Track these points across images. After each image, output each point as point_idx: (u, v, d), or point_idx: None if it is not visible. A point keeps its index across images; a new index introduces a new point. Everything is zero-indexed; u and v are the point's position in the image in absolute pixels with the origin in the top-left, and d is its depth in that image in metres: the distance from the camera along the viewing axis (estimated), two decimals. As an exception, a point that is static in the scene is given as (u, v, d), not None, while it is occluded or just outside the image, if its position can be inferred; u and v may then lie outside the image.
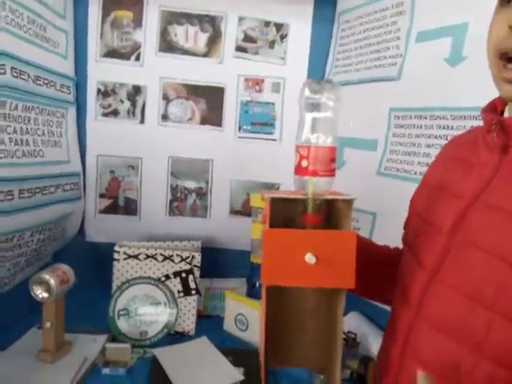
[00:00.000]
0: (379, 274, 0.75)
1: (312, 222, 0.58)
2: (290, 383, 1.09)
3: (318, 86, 0.56)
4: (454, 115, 1.02)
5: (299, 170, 0.57)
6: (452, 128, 1.02)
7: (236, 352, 1.20)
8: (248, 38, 1.53)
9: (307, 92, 0.56)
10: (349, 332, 1.20)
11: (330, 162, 0.57)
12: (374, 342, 1.18)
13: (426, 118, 1.10)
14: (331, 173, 0.57)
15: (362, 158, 1.30)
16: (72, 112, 1.49)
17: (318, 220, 0.58)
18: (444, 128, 1.04)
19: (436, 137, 1.06)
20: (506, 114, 0.58)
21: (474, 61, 0.98)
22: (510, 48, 0.51)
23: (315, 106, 0.56)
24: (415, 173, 1.10)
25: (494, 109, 0.60)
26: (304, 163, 0.56)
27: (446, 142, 0.76)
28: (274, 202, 0.57)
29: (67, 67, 1.45)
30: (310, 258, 0.54)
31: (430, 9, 1.14)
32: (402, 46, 1.20)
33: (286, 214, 0.58)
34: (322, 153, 0.56)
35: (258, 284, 1.33)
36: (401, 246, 0.77)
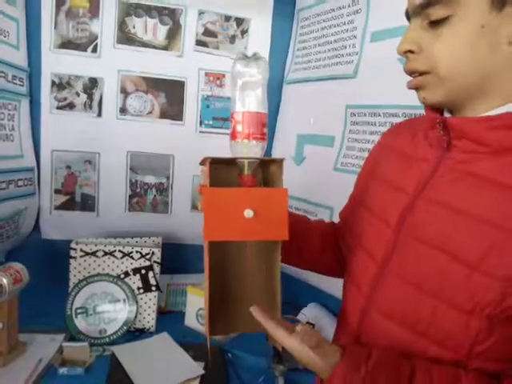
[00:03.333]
0: (311, 245, 0.81)
1: (248, 183, 0.63)
2: (249, 374, 1.12)
3: (247, 59, 0.63)
4: (405, 113, 1.06)
5: (235, 134, 0.63)
6: (400, 122, 1.06)
7: (197, 346, 1.21)
8: (208, 33, 1.52)
9: (238, 66, 0.63)
10: (307, 323, 1.23)
11: (262, 127, 0.63)
12: (332, 333, 1.21)
13: (379, 115, 1.14)
14: (263, 136, 0.63)
15: (321, 154, 1.33)
16: (25, 105, 1.43)
17: (253, 180, 0.64)
18: (396, 125, 1.08)
19: (385, 132, 1.09)
20: (445, 111, 0.61)
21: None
22: (404, 70, 0.58)
23: (246, 77, 0.63)
24: (369, 168, 1.14)
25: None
26: (239, 127, 0.62)
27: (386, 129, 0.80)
28: (213, 163, 0.62)
29: (19, 58, 1.39)
30: (247, 213, 0.59)
31: (385, 8, 1.17)
32: (358, 44, 1.23)
33: (222, 178, 0.64)
34: (254, 117, 0.62)
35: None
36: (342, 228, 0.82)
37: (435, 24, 0.53)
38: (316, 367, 0.54)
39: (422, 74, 0.55)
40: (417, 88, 0.57)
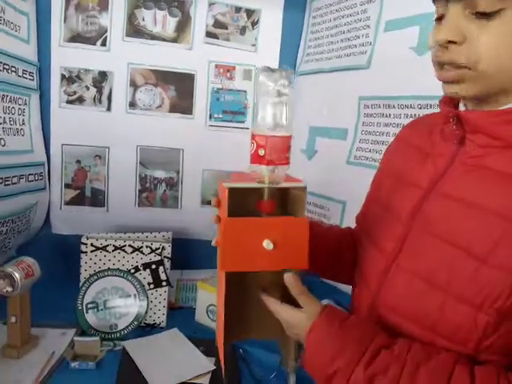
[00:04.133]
0: (333, 256, 0.79)
1: (267, 209, 0.60)
2: (261, 370, 1.11)
3: (274, 72, 0.57)
4: (421, 104, 1.03)
5: (256, 159, 0.58)
6: (419, 117, 1.03)
7: (207, 342, 1.20)
8: (218, 24, 1.50)
9: (263, 79, 0.57)
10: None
11: (286, 151, 0.58)
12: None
13: (394, 106, 1.11)
14: (286, 161, 0.59)
15: (333, 147, 1.31)
16: (35, 99, 1.43)
17: (272, 206, 0.61)
18: (411, 117, 1.05)
19: (404, 126, 1.07)
20: (461, 105, 0.60)
21: (441, 50, 0.99)
22: (440, 61, 0.54)
23: (271, 93, 0.57)
24: (383, 162, 1.12)
25: (451, 100, 0.62)
26: (261, 152, 0.57)
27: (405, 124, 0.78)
28: (232, 191, 0.58)
29: (29, 52, 1.39)
30: (267, 244, 0.57)
31: (399, -3, 1.14)
32: (372, 34, 1.20)
33: (240, 199, 0.60)
34: (278, 142, 0.57)
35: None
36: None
37: (483, 15, 0.49)
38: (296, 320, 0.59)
39: (458, 67, 0.52)
40: (450, 81, 0.54)
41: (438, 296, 0.53)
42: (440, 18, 0.53)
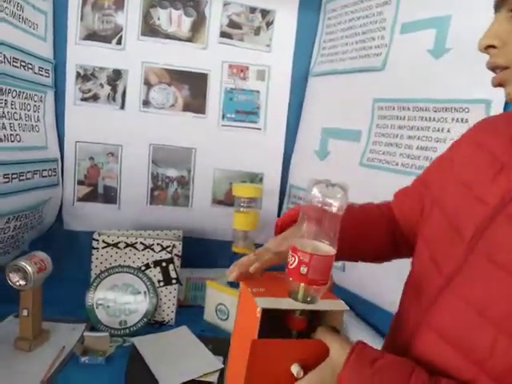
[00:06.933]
0: (356, 236, 0.71)
1: (299, 327, 0.56)
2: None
3: (329, 188, 0.54)
4: (437, 107, 1.02)
5: (296, 276, 0.54)
6: (434, 120, 1.02)
7: (216, 341, 1.20)
8: (233, 24, 1.50)
9: (316, 192, 0.53)
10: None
11: (329, 270, 0.54)
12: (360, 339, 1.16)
13: (408, 109, 1.10)
14: (327, 281, 0.54)
15: (346, 149, 1.30)
16: (50, 96, 1.45)
17: (305, 324, 0.56)
18: (426, 120, 1.04)
19: (418, 128, 1.06)
20: None
21: (457, 53, 0.98)
22: (487, 67, 0.53)
23: (321, 208, 0.53)
24: (397, 164, 1.11)
25: None
26: (303, 270, 0.53)
27: (478, 121, 0.68)
28: (264, 311, 0.52)
29: (46, 49, 1.41)
30: (298, 373, 0.53)
31: (415, 0, 1.13)
32: (387, 36, 1.20)
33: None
34: (323, 261, 0.53)
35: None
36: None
37: None
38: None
39: (504, 69, 0.51)
40: (501, 85, 0.53)
41: (489, 331, 0.48)
42: None
